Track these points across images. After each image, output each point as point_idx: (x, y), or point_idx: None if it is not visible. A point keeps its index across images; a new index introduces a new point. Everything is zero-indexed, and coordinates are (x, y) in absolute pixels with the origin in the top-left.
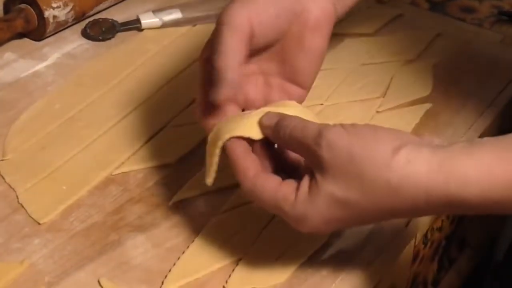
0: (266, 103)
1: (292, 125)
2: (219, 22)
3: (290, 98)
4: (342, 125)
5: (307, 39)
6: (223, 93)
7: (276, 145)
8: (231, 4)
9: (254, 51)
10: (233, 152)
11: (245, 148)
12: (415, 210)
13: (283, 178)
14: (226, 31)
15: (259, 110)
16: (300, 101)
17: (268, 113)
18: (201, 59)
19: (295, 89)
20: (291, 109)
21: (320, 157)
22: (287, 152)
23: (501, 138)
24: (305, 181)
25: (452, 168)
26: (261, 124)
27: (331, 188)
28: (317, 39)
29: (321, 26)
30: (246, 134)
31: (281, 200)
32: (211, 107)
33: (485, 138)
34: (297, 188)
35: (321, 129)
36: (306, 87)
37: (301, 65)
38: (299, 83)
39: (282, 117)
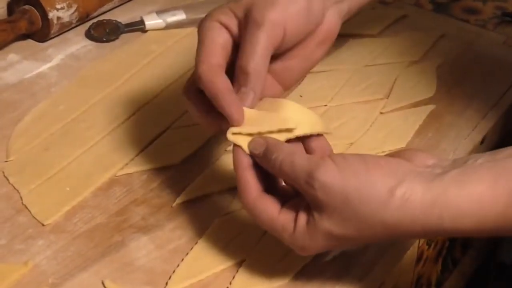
0: None
1: (280, 159)
2: (255, 20)
3: (268, 93)
4: (333, 161)
5: (311, 50)
6: (249, 101)
7: None
8: (269, 7)
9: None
10: (239, 163)
11: (251, 161)
12: (410, 238)
13: (282, 191)
14: (262, 35)
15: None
16: (273, 97)
17: (254, 140)
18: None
19: (275, 86)
20: (290, 109)
21: (315, 197)
22: None
23: (495, 161)
24: (303, 215)
25: (445, 202)
26: (250, 150)
27: (329, 226)
28: (320, 52)
29: (328, 40)
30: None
31: (279, 229)
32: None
33: (479, 161)
34: (295, 220)
35: (312, 170)
36: (286, 88)
37: (295, 70)
38: (283, 83)
39: (269, 148)
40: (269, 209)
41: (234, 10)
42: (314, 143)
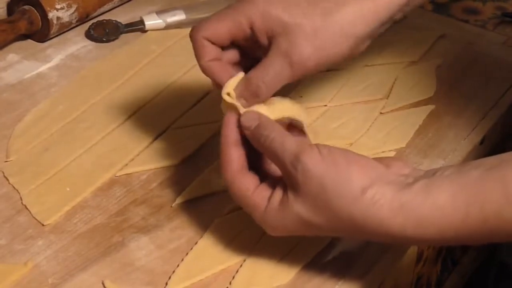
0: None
1: (271, 137)
2: (282, 46)
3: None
4: (319, 150)
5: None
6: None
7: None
8: (307, 43)
9: None
10: (226, 138)
11: (237, 138)
12: (375, 240)
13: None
14: (284, 66)
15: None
16: None
17: (248, 112)
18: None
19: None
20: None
21: (294, 179)
22: None
23: (460, 172)
24: (278, 193)
25: (409, 211)
26: (241, 123)
27: (300, 209)
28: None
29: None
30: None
31: (252, 207)
32: None
33: (446, 172)
34: (269, 198)
35: (299, 152)
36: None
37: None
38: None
39: (262, 124)
40: (245, 185)
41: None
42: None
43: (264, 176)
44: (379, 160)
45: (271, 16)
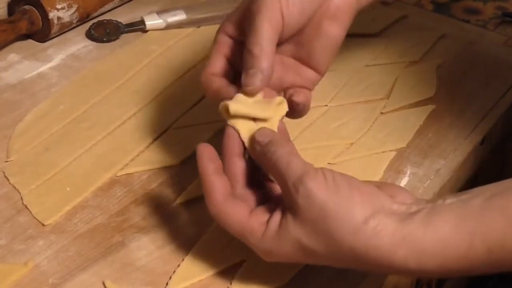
0: (280, 82)
1: (279, 154)
2: (253, 11)
3: (303, 81)
4: (324, 176)
5: (325, 26)
6: (258, 81)
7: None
8: None
9: (281, 39)
10: (204, 168)
11: (217, 166)
12: (377, 272)
13: (260, 187)
14: (261, 21)
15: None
16: (313, 84)
17: (263, 128)
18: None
19: (309, 73)
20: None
21: (295, 202)
22: None
23: (461, 201)
24: (276, 216)
25: (411, 242)
26: (253, 138)
27: (299, 234)
28: (335, 27)
29: (340, 15)
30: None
31: (248, 233)
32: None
33: (447, 201)
34: (267, 223)
35: (303, 174)
36: (321, 72)
37: (317, 51)
38: (314, 67)
39: (274, 140)
40: (238, 211)
41: (233, 18)
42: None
43: (262, 196)
44: (383, 187)
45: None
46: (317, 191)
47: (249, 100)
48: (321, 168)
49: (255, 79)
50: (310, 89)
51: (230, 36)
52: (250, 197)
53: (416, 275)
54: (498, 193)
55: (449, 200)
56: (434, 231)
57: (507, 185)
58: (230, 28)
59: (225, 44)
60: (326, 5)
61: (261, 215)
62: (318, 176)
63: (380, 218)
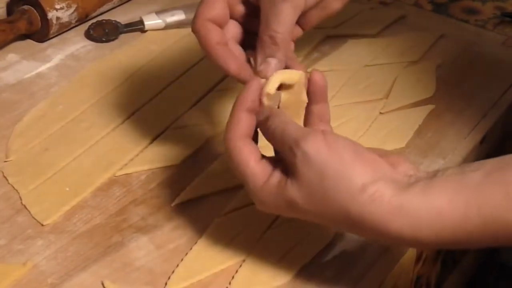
0: None
1: (275, 125)
2: None
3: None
4: (324, 136)
5: (329, 2)
6: (274, 69)
7: None
8: None
9: None
10: (240, 101)
11: (253, 107)
12: (370, 239)
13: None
14: (286, 6)
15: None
16: (296, 37)
17: (263, 107)
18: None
19: (296, 28)
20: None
21: (294, 165)
22: None
23: (460, 174)
24: (277, 174)
25: (406, 211)
26: (256, 115)
27: (295, 194)
28: (338, 3)
29: None
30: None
31: (250, 177)
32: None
33: (447, 173)
34: (269, 176)
35: (299, 139)
36: (304, 30)
37: (313, 19)
38: (302, 26)
39: (271, 115)
40: (249, 152)
41: None
42: (315, 107)
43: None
44: (387, 156)
45: None
46: (315, 153)
47: None
48: (323, 130)
49: (272, 67)
50: (293, 41)
51: None
52: (255, 148)
53: (411, 244)
54: (499, 168)
55: (449, 171)
56: (430, 201)
57: (507, 160)
58: (217, 15)
59: None
60: None
61: (267, 165)
62: (316, 138)
63: (379, 185)
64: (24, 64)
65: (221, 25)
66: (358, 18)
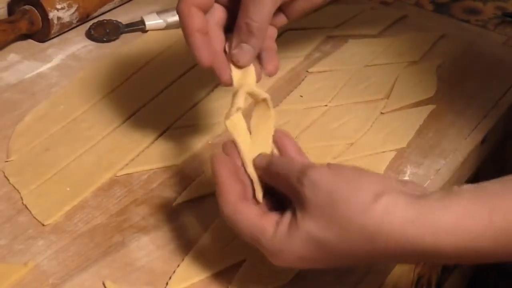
0: None
1: (279, 167)
2: None
3: (274, 21)
4: (328, 165)
5: None
6: (249, 57)
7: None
8: None
9: None
10: (218, 171)
11: (232, 169)
12: (390, 257)
13: (271, 202)
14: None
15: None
16: (280, 25)
17: (260, 155)
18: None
19: (279, 16)
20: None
21: (301, 195)
22: None
23: (478, 188)
24: (287, 217)
25: (427, 220)
26: (254, 165)
27: (309, 226)
28: None
29: None
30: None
31: (259, 232)
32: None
33: (463, 187)
34: (278, 223)
35: (306, 168)
36: (290, 19)
37: (298, 10)
38: (287, 16)
39: (272, 161)
40: (250, 212)
41: None
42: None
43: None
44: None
45: None
46: (321, 178)
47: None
48: (327, 163)
49: (247, 56)
50: (276, 28)
51: None
52: (254, 205)
53: (430, 256)
54: None
55: (465, 187)
56: (451, 209)
57: None
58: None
59: None
60: None
61: (272, 216)
62: (322, 167)
63: (391, 195)
64: (25, 64)
65: (205, 10)
66: (359, 18)
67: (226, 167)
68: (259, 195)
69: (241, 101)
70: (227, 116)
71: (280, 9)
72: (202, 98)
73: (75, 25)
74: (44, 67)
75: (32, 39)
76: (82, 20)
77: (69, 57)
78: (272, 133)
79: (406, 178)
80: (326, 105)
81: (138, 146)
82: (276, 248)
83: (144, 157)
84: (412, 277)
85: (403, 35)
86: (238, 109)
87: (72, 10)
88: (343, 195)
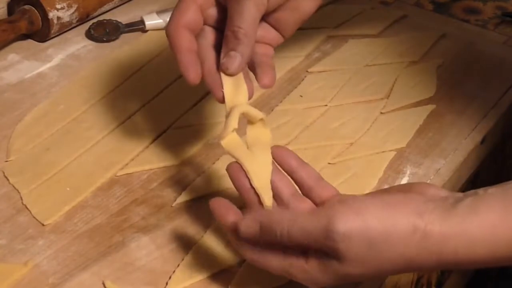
0: None
1: (286, 230)
2: None
3: (270, 39)
4: (347, 206)
5: (301, 3)
6: (237, 64)
7: None
8: None
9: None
10: (224, 219)
11: (235, 213)
12: (420, 270)
13: None
14: (248, 4)
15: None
16: (277, 44)
17: (245, 220)
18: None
19: (275, 34)
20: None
21: (335, 249)
22: None
23: (505, 190)
24: (315, 258)
25: (459, 232)
26: (242, 234)
27: (348, 271)
28: (311, 4)
29: None
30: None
31: (288, 266)
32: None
33: (489, 191)
34: (306, 260)
35: (328, 224)
36: (285, 37)
37: (290, 23)
38: (281, 33)
39: (267, 222)
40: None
41: None
42: (303, 173)
43: None
44: (410, 188)
45: None
46: (352, 228)
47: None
48: (338, 199)
49: (235, 62)
50: (273, 47)
51: None
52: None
53: (465, 266)
54: None
55: (491, 190)
56: (482, 218)
57: None
58: (191, 21)
59: None
60: None
61: (293, 253)
62: (343, 213)
63: (426, 217)
64: (25, 64)
65: (194, 31)
66: (359, 18)
67: (230, 212)
68: (269, 202)
69: (235, 122)
70: (222, 137)
71: (271, 25)
72: (201, 98)
73: (75, 25)
74: (44, 67)
75: (32, 39)
76: (82, 20)
77: (69, 57)
78: (270, 151)
79: (406, 178)
80: (326, 105)
81: (138, 146)
82: (313, 278)
83: (144, 157)
84: (412, 277)
85: (403, 35)
86: (233, 130)
87: (72, 10)
88: (382, 236)
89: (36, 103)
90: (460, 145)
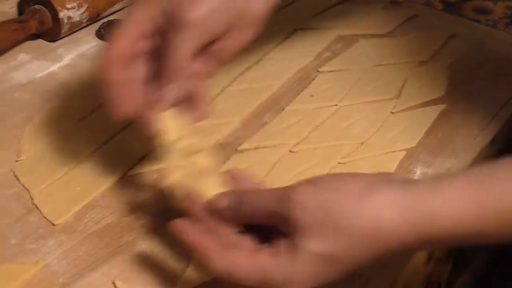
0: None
1: (252, 199)
2: (177, 22)
3: (204, 70)
4: (308, 183)
5: (240, 33)
6: (172, 98)
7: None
8: (189, 7)
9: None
10: (187, 240)
11: (197, 229)
12: (389, 251)
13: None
14: (182, 39)
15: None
16: (215, 69)
17: (220, 195)
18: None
19: (211, 64)
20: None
21: (293, 220)
22: None
23: (471, 173)
24: (281, 245)
25: (421, 207)
26: (215, 206)
27: (309, 246)
28: (249, 34)
29: (256, 22)
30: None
31: (260, 273)
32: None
33: (455, 173)
34: (273, 254)
35: (288, 193)
36: (221, 64)
37: (229, 50)
38: (218, 59)
39: (241, 195)
40: (241, 257)
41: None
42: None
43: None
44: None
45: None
46: (307, 196)
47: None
48: (305, 180)
49: (171, 96)
50: (208, 77)
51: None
52: (241, 242)
53: (427, 241)
54: (502, 161)
55: (455, 172)
56: (446, 195)
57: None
58: (152, 13)
59: (142, 21)
60: (243, 14)
61: (263, 250)
62: (303, 186)
63: (380, 188)
64: (35, 64)
65: (125, 62)
66: (370, 18)
67: (190, 231)
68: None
69: (176, 159)
70: (166, 177)
71: (208, 55)
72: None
73: (85, 24)
74: (55, 67)
75: (42, 38)
76: (92, 20)
77: (79, 57)
78: (218, 180)
79: (416, 177)
80: (336, 105)
81: (149, 145)
82: (285, 277)
83: (154, 157)
84: (422, 276)
85: (413, 34)
86: (175, 168)
87: (82, 9)
88: (332, 205)
89: (47, 103)
90: (470, 145)
